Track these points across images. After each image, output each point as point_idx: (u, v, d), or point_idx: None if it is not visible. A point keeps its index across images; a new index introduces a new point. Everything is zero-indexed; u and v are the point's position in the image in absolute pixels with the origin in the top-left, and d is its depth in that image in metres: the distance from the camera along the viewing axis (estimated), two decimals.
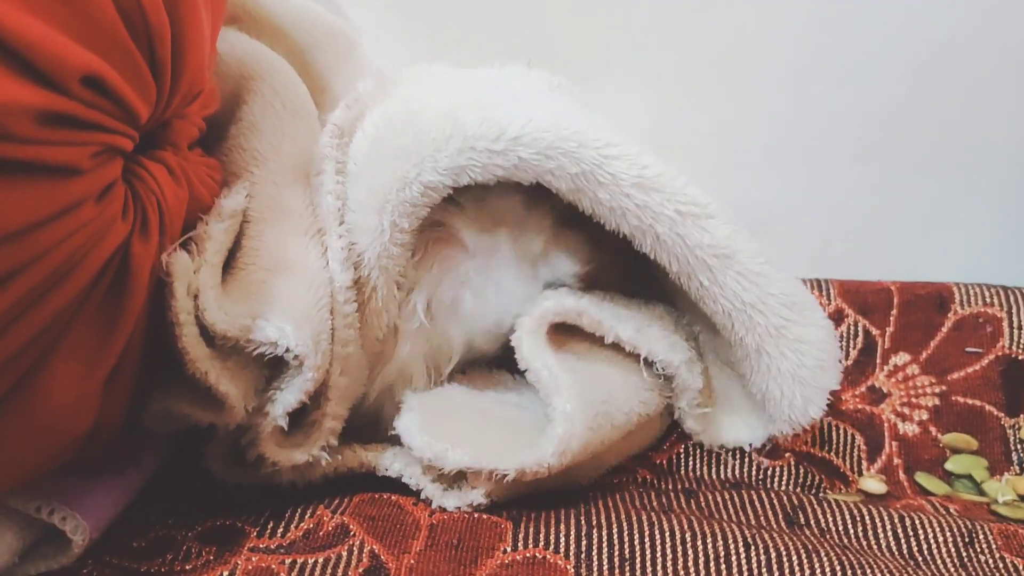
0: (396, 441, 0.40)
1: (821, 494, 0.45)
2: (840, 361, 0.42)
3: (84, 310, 0.30)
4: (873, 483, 0.46)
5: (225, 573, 0.33)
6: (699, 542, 0.35)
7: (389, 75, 0.46)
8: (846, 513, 0.39)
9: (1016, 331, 0.50)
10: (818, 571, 0.34)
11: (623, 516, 0.37)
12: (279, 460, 0.37)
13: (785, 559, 0.34)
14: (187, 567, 0.34)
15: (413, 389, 0.43)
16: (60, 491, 0.33)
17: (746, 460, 0.46)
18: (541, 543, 0.36)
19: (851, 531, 0.38)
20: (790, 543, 0.35)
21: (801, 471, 0.46)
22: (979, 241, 0.63)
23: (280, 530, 0.36)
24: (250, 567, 0.34)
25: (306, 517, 0.37)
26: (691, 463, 0.46)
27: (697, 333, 0.48)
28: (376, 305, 0.41)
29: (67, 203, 0.28)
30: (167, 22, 0.31)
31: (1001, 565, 0.36)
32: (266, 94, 0.41)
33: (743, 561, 0.35)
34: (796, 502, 0.40)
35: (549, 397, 0.39)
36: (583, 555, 0.35)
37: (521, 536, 0.36)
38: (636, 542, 0.36)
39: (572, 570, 0.34)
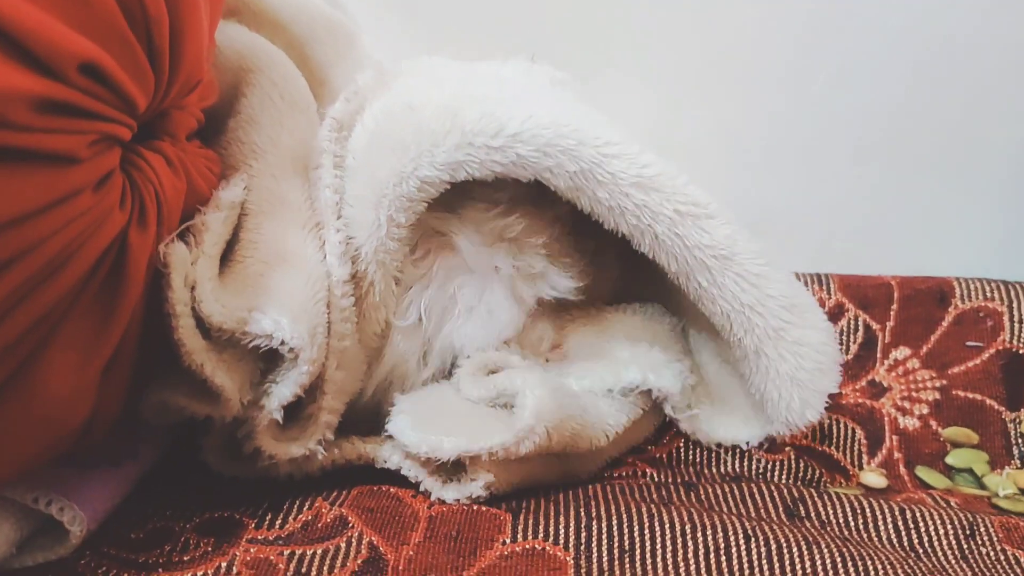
0: None
1: (821, 488, 0.45)
2: (839, 363, 0.42)
3: (81, 300, 0.30)
4: (873, 477, 0.46)
5: (223, 564, 0.33)
6: (699, 534, 0.35)
7: (389, 68, 0.46)
8: (846, 505, 0.39)
9: (1017, 325, 0.50)
10: (818, 563, 0.34)
11: (623, 508, 0.37)
12: (275, 453, 0.37)
13: (785, 551, 0.34)
14: (185, 558, 0.34)
15: (407, 386, 0.43)
16: (58, 482, 0.33)
17: (746, 454, 0.46)
18: (540, 535, 0.35)
19: (851, 523, 0.38)
20: (790, 535, 0.35)
21: (801, 465, 0.46)
22: (979, 238, 0.63)
23: (278, 522, 0.36)
24: (248, 558, 0.34)
25: (304, 509, 0.37)
26: (691, 457, 0.46)
27: (688, 332, 0.48)
28: (374, 300, 0.41)
29: (64, 192, 0.28)
30: (165, 11, 0.30)
31: (1003, 557, 0.36)
32: (265, 87, 0.41)
33: (743, 553, 0.34)
34: (796, 495, 0.40)
35: (512, 384, 0.40)
36: (583, 547, 0.35)
37: (520, 528, 0.36)
38: (636, 534, 0.35)
39: (572, 562, 0.34)
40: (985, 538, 0.37)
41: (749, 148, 0.64)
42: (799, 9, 0.60)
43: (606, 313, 0.50)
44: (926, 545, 0.37)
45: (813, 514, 0.39)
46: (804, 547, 0.34)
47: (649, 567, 0.34)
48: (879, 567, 0.33)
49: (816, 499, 0.40)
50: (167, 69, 0.32)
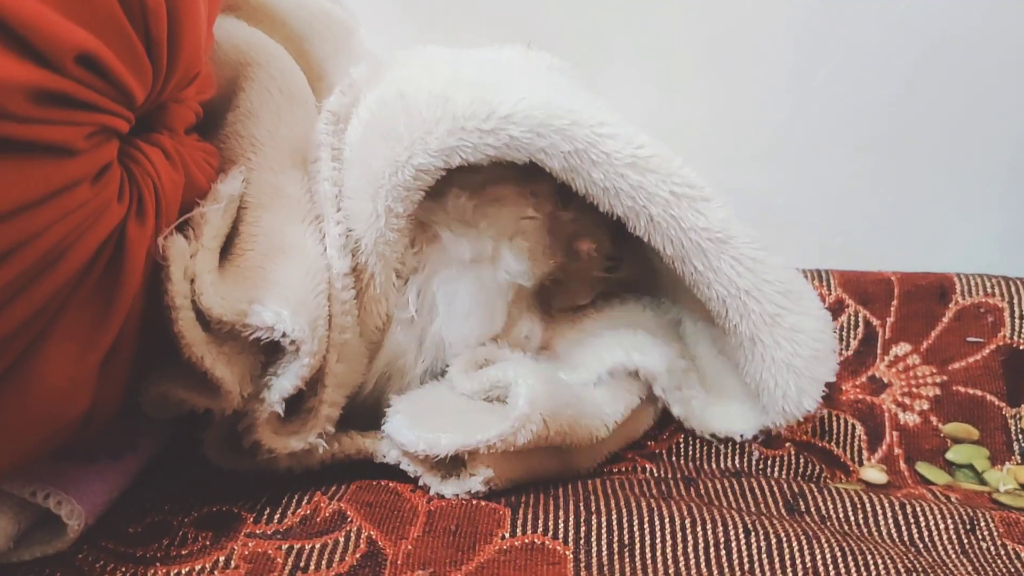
0: None
1: (821, 483, 0.45)
2: (836, 351, 0.41)
3: (79, 292, 0.30)
4: (874, 473, 0.46)
5: (221, 558, 0.33)
6: (699, 528, 0.35)
7: (384, 58, 0.46)
8: (846, 500, 0.39)
9: (1017, 321, 0.50)
10: (819, 557, 0.34)
11: (622, 503, 0.37)
12: (275, 447, 0.37)
13: (785, 545, 0.34)
14: (183, 552, 0.34)
15: (405, 381, 0.43)
16: (56, 475, 0.33)
17: (745, 449, 0.46)
18: (540, 529, 0.35)
19: (852, 518, 0.38)
20: (790, 529, 0.35)
21: (801, 461, 0.46)
22: (980, 234, 0.63)
23: (277, 516, 0.36)
24: (247, 552, 0.33)
25: (303, 503, 0.37)
26: (690, 452, 0.46)
27: (684, 324, 0.48)
28: (375, 293, 0.41)
29: (62, 184, 0.28)
30: (163, 3, 0.30)
31: (1003, 552, 0.36)
32: (263, 80, 0.41)
33: (743, 547, 0.34)
34: (796, 489, 0.40)
35: (505, 375, 0.39)
36: (582, 541, 0.35)
37: (520, 522, 0.36)
38: (635, 528, 0.35)
39: (571, 556, 0.34)
40: (985, 533, 0.37)
41: (750, 143, 0.64)
42: (800, 4, 0.60)
43: (591, 311, 0.49)
44: (926, 540, 0.37)
45: (813, 509, 0.39)
46: (804, 542, 0.34)
47: (649, 561, 0.34)
48: (879, 562, 0.33)
49: (816, 494, 0.39)
50: (165, 61, 0.32)
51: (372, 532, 0.35)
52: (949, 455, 0.47)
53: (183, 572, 0.33)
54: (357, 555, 0.34)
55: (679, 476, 0.43)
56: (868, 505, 0.38)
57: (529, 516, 0.36)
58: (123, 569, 0.33)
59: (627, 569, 0.33)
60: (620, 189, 0.38)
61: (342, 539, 0.34)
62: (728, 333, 0.41)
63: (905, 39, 0.60)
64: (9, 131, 0.25)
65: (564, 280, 0.46)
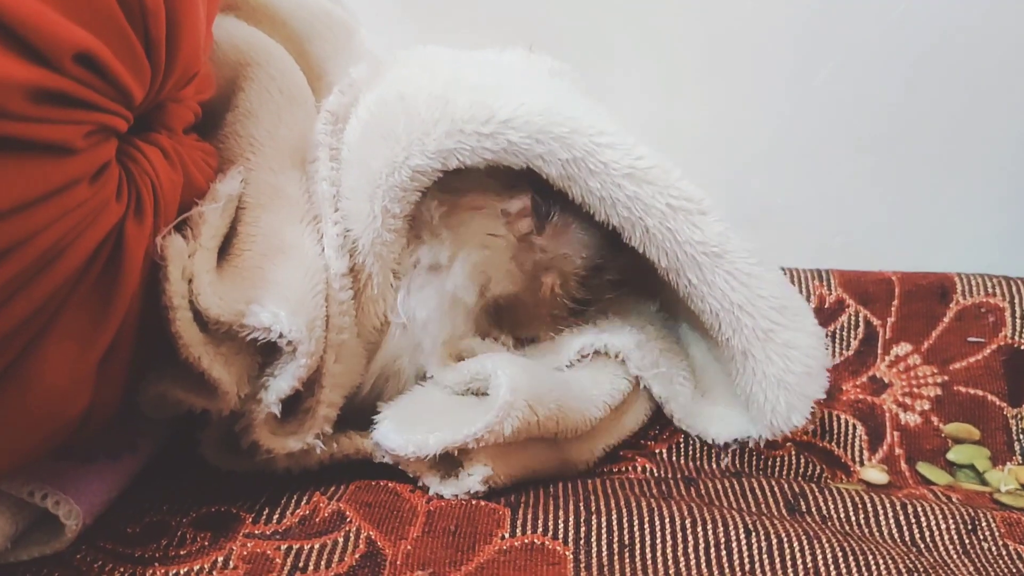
0: None
1: (822, 483, 0.44)
2: (827, 369, 0.41)
3: (78, 291, 0.30)
4: (874, 473, 0.46)
5: (220, 559, 0.33)
6: (699, 528, 0.35)
7: (384, 58, 0.46)
8: (847, 500, 0.39)
9: (1018, 321, 0.50)
10: (819, 557, 0.34)
11: (622, 503, 0.37)
12: (273, 447, 0.37)
13: (786, 545, 0.34)
14: (182, 552, 0.34)
15: (402, 382, 0.43)
16: (54, 475, 0.33)
17: (746, 450, 0.46)
18: (540, 529, 0.35)
19: (852, 518, 0.38)
20: (791, 530, 0.35)
21: (802, 461, 0.46)
22: (980, 233, 0.63)
23: (276, 516, 0.36)
24: (245, 552, 0.33)
25: (302, 504, 0.37)
26: (690, 452, 0.46)
27: (681, 330, 0.48)
28: (372, 293, 0.41)
29: (61, 182, 0.28)
30: (162, 2, 0.30)
31: (1004, 552, 0.36)
32: (263, 81, 0.41)
33: (744, 547, 0.34)
34: (797, 489, 0.40)
35: (484, 368, 0.39)
36: (582, 541, 0.35)
37: (519, 522, 0.36)
38: (636, 528, 0.35)
39: (571, 556, 0.34)
40: (987, 533, 0.37)
41: (750, 143, 0.64)
42: (800, 4, 0.60)
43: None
44: (927, 540, 0.37)
45: (814, 509, 0.38)
46: (805, 542, 0.34)
47: (649, 561, 0.34)
48: (880, 562, 0.33)
49: (817, 494, 0.39)
50: (163, 61, 0.32)
51: (371, 532, 0.35)
52: (950, 455, 0.47)
53: (181, 572, 0.33)
54: (356, 555, 0.33)
55: (679, 476, 0.43)
56: (869, 505, 0.38)
57: (529, 516, 0.36)
58: (121, 569, 0.33)
59: (627, 569, 0.33)
60: (617, 199, 0.38)
61: (341, 539, 0.34)
62: (721, 346, 0.41)
63: (905, 39, 0.60)
64: (8, 130, 0.25)
65: (521, 308, 0.45)
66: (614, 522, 0.35)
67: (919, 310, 0.52)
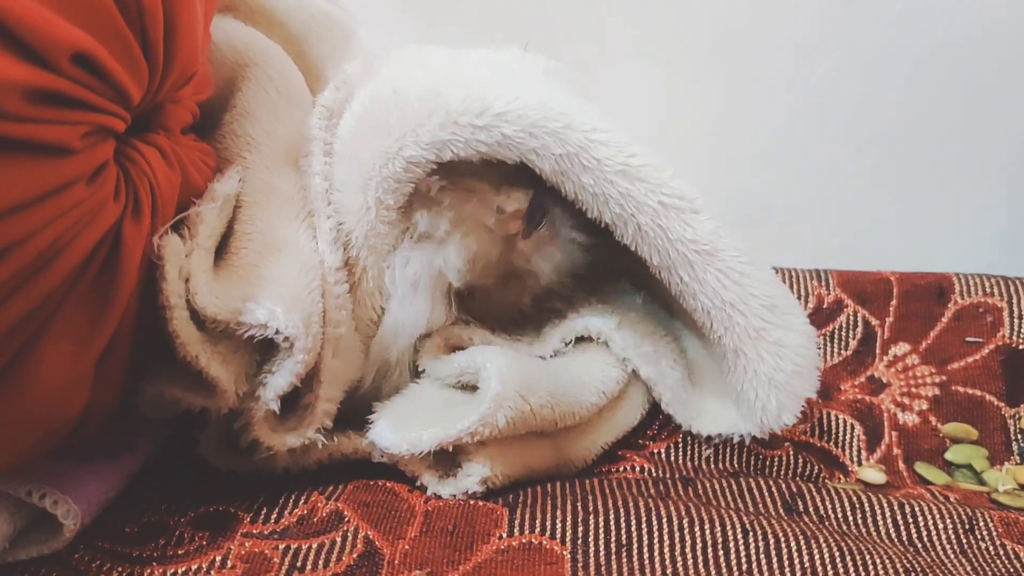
0: None
1: (820, 483, 0.45)
2: (818, 368, 0.41)
3: (75, 291, 0.30)
4: (872, 473, 0.46)
5: (218, 558, 0.33)
6: (697, 528, 0.35)
7: (378, 55, 0.46)
8: (845, 500, 0.39)
9: (1016, 321, 0.50)
10: (817, 557, 0.34)
11: (620, 502, 0.37)
12: (273, 444, 0.37)
13: (784, 545, 0.34)
14: (180, 552, 0.34)
15: (397, 378, 0.43)
16: (52, 475, 0.33)
17: (744, 449, 0.46)
18: (537, 529, 0.35)
19: (850, 518, 0.38)
20: (789, 529, 0.35)
21: (800, 461, 0.46)
22: (979, 233, 0.63)
23: (274, 516, 0.36)
24: (243, 552, 0.33)
25: (300, 503, 0.37)
26: (688, 452, 0.46)
27: (675, 327, 0.48)
28: (368, 286, 0.41)
29: (58, 183, 0.28)
30: (159, 2, 0.30)
31: (1002, 552, 0.36)
32: (260, 80, 0.41)
33: (741, 547, 0.34)
34: (795, 489, 0.40)
35: (473, 361, 0.40)
36: (579, 541, 0.35)
37: (517, 522, 0.36)
38: (633, 528, 0.35)
39: (568, 556, 0.34)
40: (984, 533, 0.37)
41: (748, 142, 0.64)
42: (800, 4, 0.60)
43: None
44: (925, 540, 0.37)
45: (811, 509, 0.38)
46: (802, 541, 0.34)
47: (647, 561, 0.34)
48: (878, 561, 0.33)
49: (815, 494, 0.39)
50: (161, 61, 0.32)
51: (369, 532, 0.35)
52: (948, 455, 0.47)
53: (179, 572, 0.33)
54: (354, 555, 0.34)
55: (677, 476, 0.43)
56: (867, 505, 0.38)
57: (527, 516, 0.36)
58: (120, 569, 0.33)
59: (625, 569, 0.33)
60: (609, 196, 0.38)
61: (339, 539, 0.34)
62: (712, 344, 0.41)
63: (905, 39, 0.60)
64: (4, 130, 0.25)
65: (487, 300, 0.45)
66: (612, 522, 0.36)
67: (917, 310, 0.52)
